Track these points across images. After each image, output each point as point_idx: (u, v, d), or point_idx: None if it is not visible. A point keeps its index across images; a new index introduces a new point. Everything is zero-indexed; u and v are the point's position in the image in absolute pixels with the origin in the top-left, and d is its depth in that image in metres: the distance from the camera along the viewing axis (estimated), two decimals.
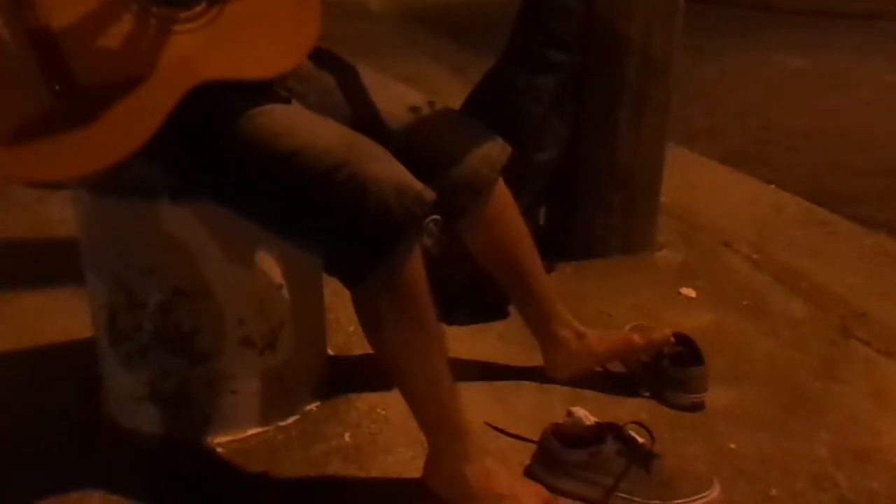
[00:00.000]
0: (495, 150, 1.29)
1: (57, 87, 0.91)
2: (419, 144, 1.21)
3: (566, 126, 1.74)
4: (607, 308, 1.71)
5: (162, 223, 1.14)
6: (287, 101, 1.08)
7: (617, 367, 1.44)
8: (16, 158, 0.92)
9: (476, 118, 1.33)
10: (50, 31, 0.91)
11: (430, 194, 0.98)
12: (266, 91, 1.05)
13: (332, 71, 1.21)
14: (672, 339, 1.38)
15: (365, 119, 1.18)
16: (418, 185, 0.98)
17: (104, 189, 1.15)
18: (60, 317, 1.63)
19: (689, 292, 1.78)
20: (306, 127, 1.00)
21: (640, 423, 1.17)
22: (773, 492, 1.15)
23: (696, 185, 2.65)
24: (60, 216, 2.05)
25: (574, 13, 1.66)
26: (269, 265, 1.22)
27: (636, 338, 1.38)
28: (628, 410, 1.32)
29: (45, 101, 0.92)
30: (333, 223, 0.97)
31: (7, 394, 1.41)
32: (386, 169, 0.97)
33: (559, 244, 1.92)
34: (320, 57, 1.21)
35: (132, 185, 1.11)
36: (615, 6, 1.72)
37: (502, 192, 1.32)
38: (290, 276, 1.25)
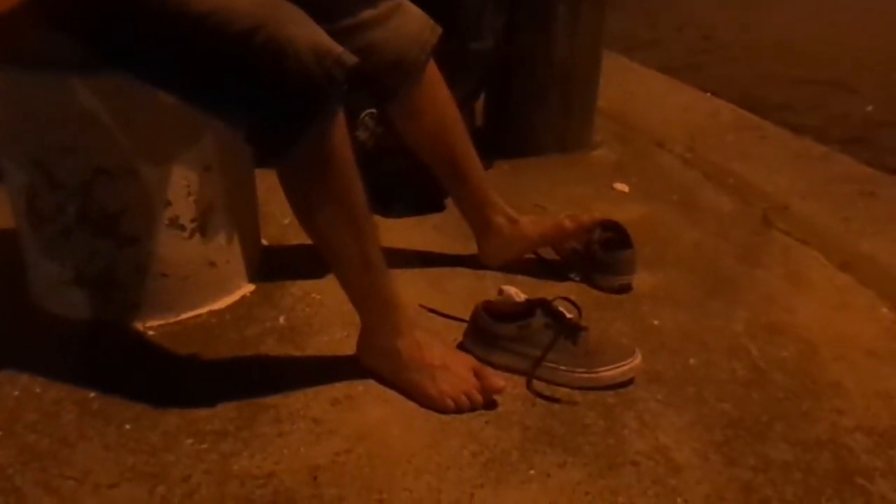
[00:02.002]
0: (425, 31, 1.27)
1: None
2: (346, 20, 1.18)
3: (502, 17, 1.71)
4: (542, 202, 1.73)
5: (79, 99, 1.09)
6: None
7: (550, 253, 1.47)
8: None
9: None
10: None
11: (350, 58, 0.96)
12: None
13: None
14: (602, 225, 1.41)
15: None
16: (338, 48, 0.95)
17: (15, 64, 1.09)
18: None
19: (622, 187, 1.82)
20: None
21: (567, 299, 1.20)
22: (692, 361, 1.21)
23: (635, 92, 2.68)
24: None
25: None
26: (198, 146, 1.19)
27: (567, 222, 1.41)
28: (559, 292, 1.34)
29: None
30: (252, 89, 0.94)
31: None
32: (304, 31, 0.94)
33: (497, 142, 1.92)
34: None
35: (45, 60, 1.05)
36: None
37: (434, 76, 1.31)
38: (219, 159, 1.22)
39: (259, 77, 0.93)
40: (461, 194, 1.42)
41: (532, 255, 1.47)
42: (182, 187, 1.19)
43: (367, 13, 1.20)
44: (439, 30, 1.28)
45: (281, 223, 1.56)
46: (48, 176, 1.14)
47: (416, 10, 1.26)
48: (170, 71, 0.99)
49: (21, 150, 1.16)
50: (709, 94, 2.75)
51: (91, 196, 1.15)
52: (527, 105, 1.90)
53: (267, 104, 0.95)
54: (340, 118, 0.98)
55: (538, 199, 1.73)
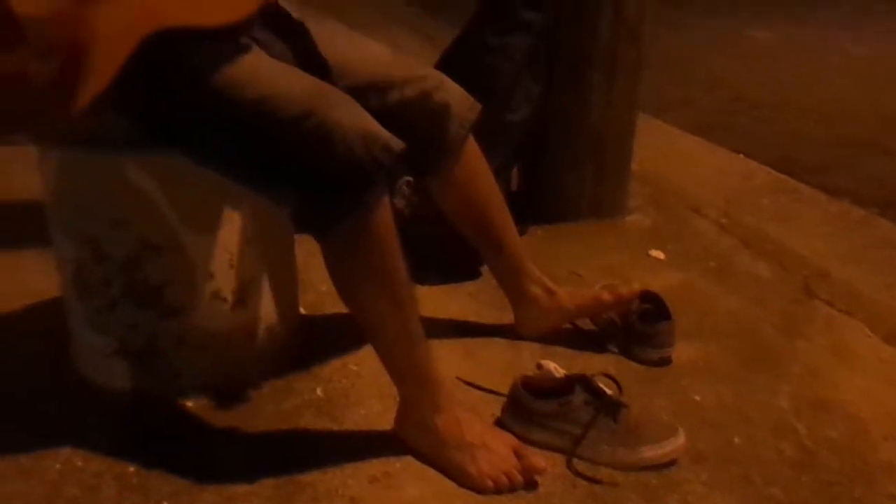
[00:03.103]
0: (464, 108, 1.29)
1: (7, 36, 0.88)
2: (388, 98, 1.21)
3: (538, 86, 1.74)
4: (578, 269, 1.73)
5: (129, 176, 1.12)
6: (249, 46, 1.06)
7: (587, 324, 1.46)
8: None
9: (448, 76, 1.32)
10: None
11: (397, 143, 0.98)
12: (231, 40, 1.03)
13: (294, 26, 1.19)
14: (640, 296, 1.40)
15: (334, 71, 1.17)
16: (386, 134, 0.98)
17: (70, 142, 1.13)
18: (27, 277, 1.60)
19: (657, 254, 1.81)
20: (271, 75, 0.99)
21: (608, 375, 1.19)
22: (736, 440, 1.18)
23: (668, 154, 2.68)
24: (23, 182, 2.00)
25: None
26: (241, 220, 1.22)
27: (605, 294, 1.40)
28: (597, 365, 1.34)
29: None
30: (300, 172, 0.97)
31: None
32: (353, 117, 0.97)
33: (531, 207, 1.93)
34: (282, 11, 1.19)
35: (98, 138, 1.09)
36: None
37: (473, 150, 1.33)
38: (261, 232, 1.25)
39: (308, 161, 0.96)
40: (498, 265, 1.42)
41: (569, 326, 1.46)
42: (225, 260, 1.21)
43: (409, 91, 1.23)
44: (479, 107, 1.30)
45: (319, 290, 1.57)
46: (96, 249, 1.17)
47: (455, 88, 1.29)
48: (219, 151, 1.02)
49: (71, 224, 1.19)
50: (741, 155, 2.75)
51: (137, 269, 1.17)
52: (561, 170, 1.91)
53: (314, 187, 0.97)
54: (385, 200, 0.99)
55: (574, 267, 1.73)
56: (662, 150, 2.70)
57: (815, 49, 4.76)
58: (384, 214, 1.00)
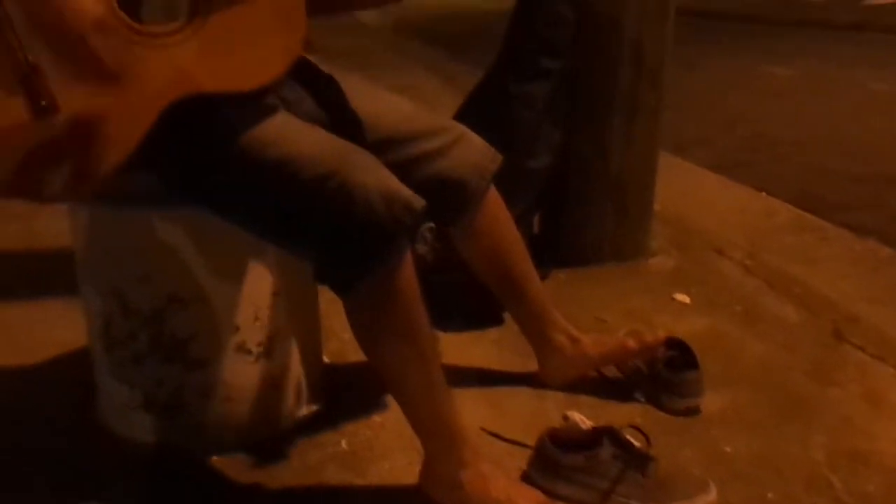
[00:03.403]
0: (486, 159, 1.30)
1: (42, 104, 0.91)
2: (410, 152, 1.21)
3: (558, 133, 1.75)
4: (601, 314, 1.71)
5: (156, 232, 1.14)
6: (277, 108, 1.08)
7: (612, 371, 1.44)
8: (6, 175, 0.92)
9: (469, 125, 1.33)
10: (34, 57, 0.91)
11: (419, 202, 0.99)
12: (257, 101, 1.05)
13: (323, 80, 1.22)
14: (666, 343, 1.39)
15: (357, 127, 1.18)
16: (407, 193, 0.98)
17: (99, 199, 1.15)
18: (54, 327, 1.62)
19: (682, 298, 1.79)
20: (296, 137, 1.01)
21: (636, 427, 1.17)
22: (770, 495, 1.15)
23: (688, 193, 2.67)
24: (54, 228, 2.04)
25: (566, 20, 1.68)
26: (265, 273, 1.23)
27: (631, 342, 1.39)
28: (624, 415, 1.32)
29: (25, 116, 0.91)
30: (323, 231, 0.98)
31: (1, 404, 1.40)
32: (374, 177, 0.98)
33: (552, 251, 1.92)
34: (311, 66, 1.22)
35: (127, 195, 1.11)
36: (607, 13, 1.74)
37: (494, 200, 1.33)
38: (285, 284, 1.25)
39: (330, 220, 0.96)
40: (521, 313, 1.41)
41: (594, 374, 1.44)
42: (250, 313, 1.22)
43: (430, 144, 1.24)
44: (500, 158, 1.31)
45: (342, 338, 1.57)
46: (123, 303, 1.18)
47: (477, 140, 1.30)
48: (244, 209, 1.04)
49: (99, 278, 1.21)
50: (763, 193, 2.73)
51: (163, 323, 1.18)
52: (582, 214, 1.91)
53: (336, 245, 0.98)
54: (407, 257, 1.00)
55: (597, 312, 1.72)
56: (683, 189, 2.69)
57: (835, 85, 4.76)
58: (406, 271, 1.00)
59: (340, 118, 1.17)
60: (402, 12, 9.56)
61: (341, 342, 1.56)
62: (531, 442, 1.20)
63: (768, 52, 5.77)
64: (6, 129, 0.92)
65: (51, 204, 1.05)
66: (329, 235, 0.97)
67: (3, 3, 0.90)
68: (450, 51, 6.42)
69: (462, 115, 1.72)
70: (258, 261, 1.21)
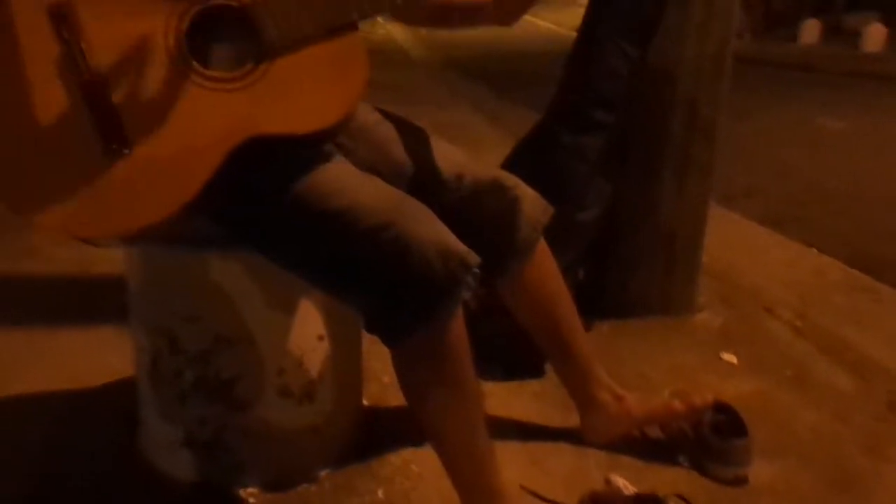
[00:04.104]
0: (537, 211, 1.29)
1: (113, 146, 0.94)
2: (462, 201, 1.22)
3: (609, 185, 1.74)
4: (645, 370, 1.68)
5: (208, 273, 1.16)
6: (335, 156, 1.09)
7: (656, 432, 1.41)
8: (69, 215, 0.94)
9: (519, 173, 1.33)
10: (108, 96, 0.94)
11: (474, 258, 0.99)
12: (315, 146, 1.06)
13: (380, 126, 1.23)
14: (714, 407, 1.35)
15: (411, 175, 1.20)
16: (463, 249, 0.98)
17: (153, 239, 1.17)
18: (102, 354, 1.65)
19: (730, 358, 1.75)
20: (353, 187, 1.02)
21: (680, 496, 1.14)
22: None
23: (736, 245, 2.63)
24: (107, 254, 2.08)
25: (620, 74, 1.68)
26: (311, 316, 1.23)
27: (677, 404, 1.35)
28: (667, 480, 1.29)
29: (96, 157, 0.95)
30: (377, 283, 0.98)
31: (46, 430, 1.43)
32: (431, 231, 0.98)
33: (597, 301, 1.90)
34: (369, 112, 1.24)
35: (181, 236, 1.13)
36: (662, 69, 1.73)
37: (543, 252, 1.32)
38: (330, 328, 1.26)
39: (384, 272, 0.97)
40: (565, 369, 1.39)
41: (638, 433, 1.41)
42: (295, 356, 1.22)
43: (482, 192, 1.24)
44: (551, 210, 1.31)
45: (381, 380, 1.56)
46: (171, 342, 1.20)
47: (529, 191, 1.29)
48: (297, 256, 1.05)
49: (149, 316, 1.23)
50: (814, 249, 2.67)
51: (209, 363, 1.19)
52: (630, 266, 1.89)
53: (389, 297, 0.98)
54: (458, 312, 0.99)
55: (641, 368, 1.69)
56: (731, 241, 2.64)
57: (889, 139, 4.66)
58: (457, 326, 1.00)
59: (395, 164, 1.18)
60: (450, 48, 9.70)
61: (381, 385, 1.55)
62: (571, 502, 1.17)
63: (822, 103, 5.69)
64: (75, 170, 0.95)
65: (111, 245, 1.08)
66: (383, 287, 0.98)
67: (85, 45, 0.93)
68: (496, 89, 6.47)
69: (512, 164, 1.72)
70: (305, 303, 1.22)
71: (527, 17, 1.22)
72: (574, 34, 1.76)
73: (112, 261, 1.80)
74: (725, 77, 1.79)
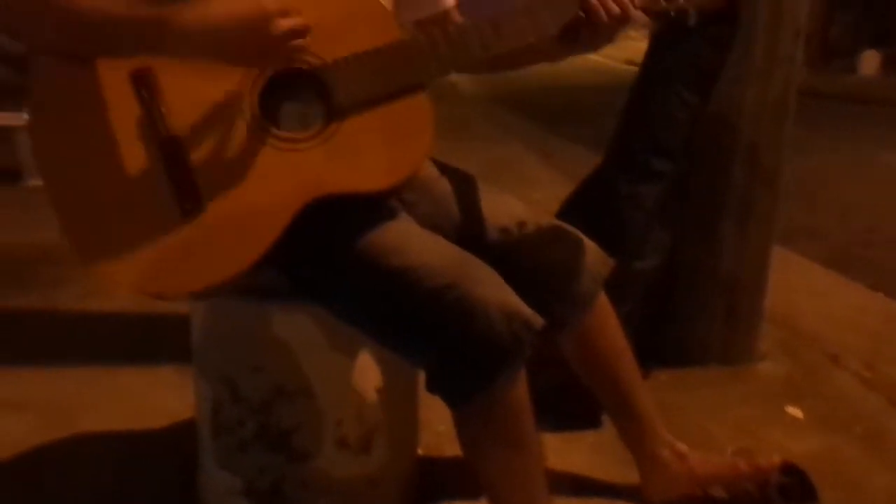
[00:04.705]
0: (597, 263, 1.28)
1: (187, 206, 0.97)
2: (522, 254, 1.21)
3: (668, 234, 1.71)
4: (706, 424, 1.63)
5: (272, 324, 1.17)
6: (399, 212, 1.10)
7: (719, 492, 1.36)
8: (140, 272, 0.97)
9: (576, 222, 1.33)
10: (185, 157, 0.98)
11: (538, 320, 0.98)
12: (380, 203, 1.08)
13: (440, 180, 1.24)
14: (781, 469, 1.30)
15: (470, 228, 1.20)
16: (527, 311, 0.98)
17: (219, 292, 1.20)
18: (163, 394, 1.69)
19: (795, 412, 1.69)
20: (417, 245, 1.03)
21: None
22: None
23: (798, 288, 2.55)
24: None
25: (679, 122, 1.66)
26: (369, 367, 1.24)
27: (742, 464, 1.31)
28: None
29: (172, 216, 0.98)
30: (439, 343, 0.98)
31: (106, 471, 1.46)
32: (495, 292, 0.98)
33: (655, 349, 1.86)
34: (429, 164, 1.25)
35: (246, 287, 1.15)
36: (722, 115, 1.71)
37: (604, 305, 1.31)
38: (387, 379, 1.26)
39: (448, 333, 0.97)
40: (624, 423, 1.36)
41: (700, 493, 1.37)
42: (353, 408, 1.23)
43: (543, 243, 1.23)
44: (612, 262, 1.29)
45: (437, 430, 1.55)
46: (234, 391, 1.21)
47: (589, 243, 1.29)
48: (361, 313, 1.06)
49: (212, 365, 1.25)
50: (881, 293, 2.58)
51: (270, 413, 1.20)
52: (689, 314, 1.85)
53: (452, 358, 0.98)
54: (521, 374, 0.99)
55: (702, 421, 1.64)
56: (793, 285, 2.57)
57: None
58: (520, 387, 0.99)
59: (455, 218, 1.19)
60: (498, 82, 9.77)
61: (436, 434, 1.54)
62: None
63: (886, 140, 5.52)
64: (149, 227, 0.98)
65: (178, 300, 1.11)
66: (446, 348, 0.98)
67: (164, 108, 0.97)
68: (546, 124, 6.48)
69: (568, 212, 1.71)
70: (364, 355, 1.23)
71: None
72: (624, 67, 1.76)
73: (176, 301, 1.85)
74: (788, 123, 1.76)
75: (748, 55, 1.67)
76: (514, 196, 1.31)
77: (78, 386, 1.76)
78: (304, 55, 0.98)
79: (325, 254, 1.05)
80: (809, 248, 3.10)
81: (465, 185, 1.26)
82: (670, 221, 1.72)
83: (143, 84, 0.98)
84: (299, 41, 0.94)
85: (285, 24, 0.92)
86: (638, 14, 1.08)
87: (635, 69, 1.76)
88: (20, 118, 3.39)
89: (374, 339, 1.08)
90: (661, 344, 1.87)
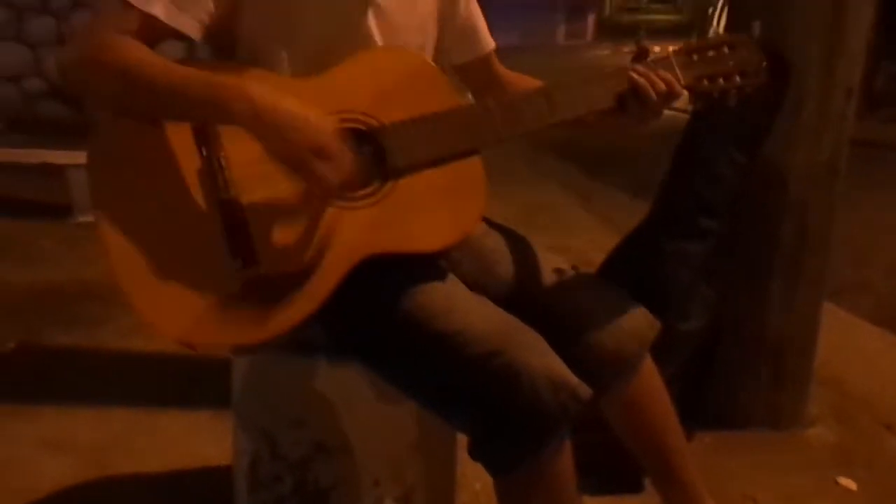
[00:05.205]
0: (644, 326, 1.25)
1: (240, 260, 0.97)
2: (564, 314, 1.19)
3: (714, 294, 1.68)
4: (753, 492, 1.58)
5: (315, 380, 1.17)
6: (447, 273, 1.10)
7: None
8: (189, 326, 0.98)
9: (619, 279, 1.30)
10: (241, 211, 0.99)
11: (585, 391, 0.96)
12: (429, 263, 1.08)
13: (486, 238, 1.24)
14: None
15: (514, 286, 1.19)
16: (574, 381, 0.96)
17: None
18: (201, 441, 1.69)
19: (848, 483, 1.62)
20: (464, 309, 1.02)
21: None
22: None
23: (847, 348, 2.47)
24: None
25: (727, 180, 1.64)
26: (408, 426, 1.22)
27: None
28: None
29: (225, 269, 0.98)
30: (484, 410, 0.97)
31: None
32: (541, 360, 0.97)
33: (699, 410, 1.81)
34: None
35: (292, 343, 1.15)
36: (772, 173, 1.68)
37: (649, 369, 1.28)
38: (427, 438, 1.24)
39: (492, 400, 0.95)
40: (667, 490, 1.32)
41: None
42: (391, 466, 1.21)
43: (589, 307, 1.21)
44: (658, 326, 1.27)
45: (473, 488, 1.53)
46: (273, 447, 1.21)
47: (636, 306, 1.26)
48: (405, 374, 1.05)
49: (253, 420, 1.25)
50: None
51: (308, 470, 1.19)
52: (735, 375, 1.81)
53: (496, 426, 0.96)
54: (567, 445, 0.96)
55: (749, 489, 1.58)
56: (841, 343, 2.48)
57: None
58: (564, 458, 0.97)
59: (499, 278, 1.18)
60: None
61: (473, 493, 1.51)
62: None
63: None
64: (201, 280, 0.99)
65: (229, 355, 1.11)
66: (491, 415, 0.96)
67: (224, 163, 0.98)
68: (585, 168, 6.45)
69: (611, 269, 1.69)
70: (404, 415, 1.21)
71: None
72: (665, 112, 1.74)
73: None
74: (839, 182, 1.73)
75: (799, 115, 1.65)
76: (556, 252, 1.30)
77: (118, 428, 1.77)
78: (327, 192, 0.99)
79: (371, 313, 1.05)
80: (857, 303, 3.00)
81: (510, 244, 1.25)
82: (717, 280, 1.68)
83: (205, 140, 1.00)
84: (328, 186, 0.95)
85: (324, 167, 0.94)
86: (683, 92, 1.09)
87: (675, 114, 1.74)
88: (74, 156, 3.49)
89: (416, 401, 1.07)
90: (705, 405, 1.82)
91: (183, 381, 2.04)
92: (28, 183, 3.90)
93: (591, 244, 3.89)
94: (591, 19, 19.24)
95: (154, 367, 2.15)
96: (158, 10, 0.97)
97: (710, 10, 11.32)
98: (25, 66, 5.02)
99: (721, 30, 9.14)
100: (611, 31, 18.40)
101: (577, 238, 3.77)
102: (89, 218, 1.04)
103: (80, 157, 3.37)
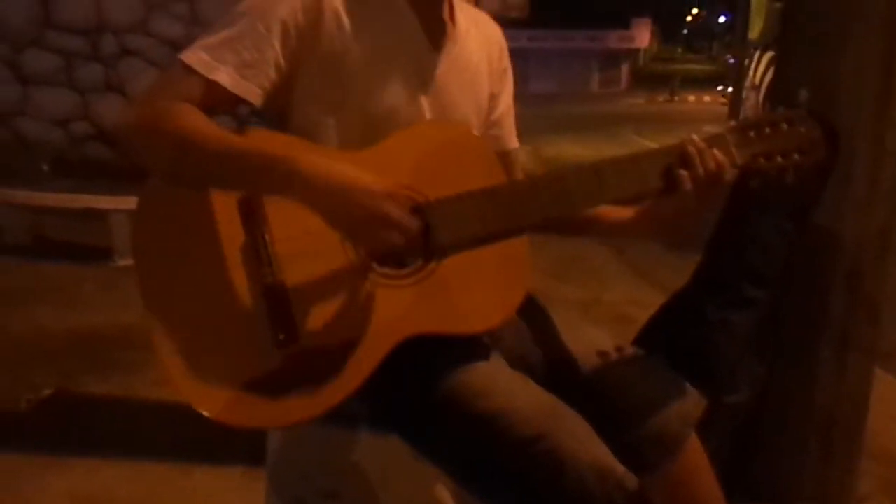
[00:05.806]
0: (689, 404, 1.21)
1: (281, 337, 0.96)
2: (608, 392, 1.16)
3: (761, 366, 1.63)
4: None
5: (352, 451, 1.15)
6: (488, 349, 1.08)
7: None
8: (225, 404, 0.96)
9: (658, 348, 1.27)
10: (284, 288, 0.98)
11: (632, 480, 0.93)
12: (472, 341, 1.05)
13: (524, 313, 1.22)
14: None
15: (557, 364, 1.16)
16: (620, 470, 0.93)
17: None
18: (232, 498, 1.66)
19: None
20: (506, 390, 0.99)
21: None
22: None
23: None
24: None
25: (775, 249, 1.60)
26: (443, 501, 1.19)
27: None
28: None
29: (265, 346, 0.97)
30: (527, 496, 0.93)
31: None
32: (587, 448, 0.94)
33: (744, 483, 1.75)
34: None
35: (332, 414, 1.13)
36: (821, 242, 1.64)
37: (695, 448, 1.23)
38: None
39: (536, 486, 0.92)
40: None
41: None
42: None
43: (634, 385, 1.18)
44: (704, 403, 1.22)
45: None
46: None
47: (682, 382, 1.22)
48: (445, 453, 1.02)
49: (286, 486, 1.23)
50: None
51: None
52: (782, 449, 1.74)
53: None
54: None
55: None
56: (891, 412, 2.39)
57: None
58: None
59: (540, 355, 1.15)
60: None
61: None
62: None
63: None
64: (239, 357, 0.98)
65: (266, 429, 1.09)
66: (533, 499, 0.93)
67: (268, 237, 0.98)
68: None
69: (651, 334, 1.64)
70: (440, 489, 1.18)
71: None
72: None
73: None
74: (891, 252, 1.67)
75: (849, 183, 1.61)
76: (589, 306, 1.27)
77: (152, 485, 1.77)
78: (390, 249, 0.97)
79: (413, 390, 1.02)
80: None
81: (546, 318, 1.23)
82: (763, 352, 1.63)
83: (250, 213, 0.99)
84: (393, 240, 0.94)
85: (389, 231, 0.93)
86: (733, 172, 1.05)
87: None
88: (117, 201, 3.56)
89: (456, 480, 1.04)
90: (751, 480, 1.75)
91: (216, 434, 2.02)
92: (69, 225, 3.99)
93: (625, 297, 3.84)
94: (624, 68, 19.44)
95: (188, 417, 2.13)
96: (223, 78, 0.98)
97: (747, 62, 11.30)
98: (75, 111, 5.20)
99: (758, 80, 9.09)
100: (645, 80, 18.48)
101: (610, 291, 3.72)
102: (129, 261, 1.03)
103: (122, 201, 3.47)
